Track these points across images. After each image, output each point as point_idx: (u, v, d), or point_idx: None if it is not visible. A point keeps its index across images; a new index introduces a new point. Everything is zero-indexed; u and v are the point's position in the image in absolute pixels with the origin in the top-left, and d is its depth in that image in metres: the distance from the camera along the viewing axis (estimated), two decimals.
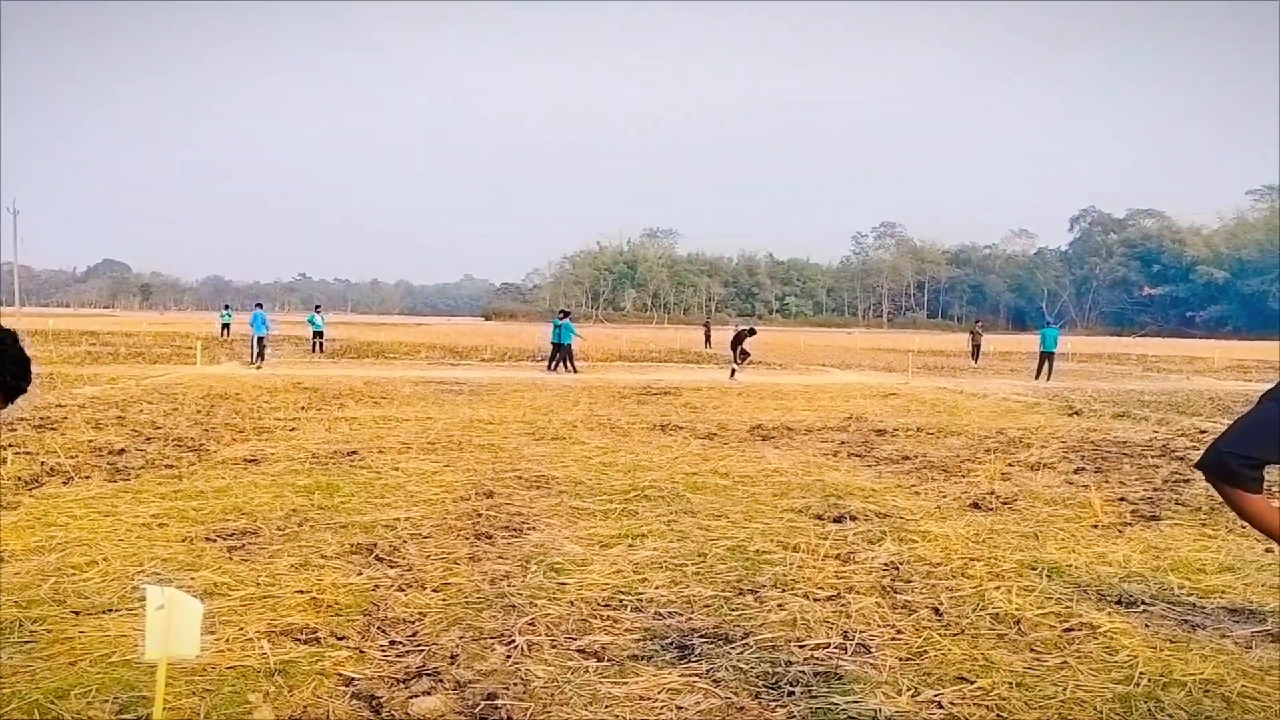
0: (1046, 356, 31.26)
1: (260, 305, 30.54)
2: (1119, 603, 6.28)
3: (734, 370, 29.28)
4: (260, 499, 8.95)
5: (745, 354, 30.53)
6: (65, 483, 9.58)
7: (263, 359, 29.21)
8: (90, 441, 12.22)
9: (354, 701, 4.51)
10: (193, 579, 6.30)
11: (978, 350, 42.59)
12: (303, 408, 16.91)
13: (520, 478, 10.37)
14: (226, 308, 56.44)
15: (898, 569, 6.96)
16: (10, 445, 11.63)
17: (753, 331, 32.26)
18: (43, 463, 10.52)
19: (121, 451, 11.55)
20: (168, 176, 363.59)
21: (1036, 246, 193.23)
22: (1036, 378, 30.55)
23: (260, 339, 29.67)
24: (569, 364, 29.79)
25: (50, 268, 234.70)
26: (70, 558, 6.76)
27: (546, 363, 30.68)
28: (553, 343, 30.15)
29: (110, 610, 5.62)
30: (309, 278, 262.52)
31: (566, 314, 30.88)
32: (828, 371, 33.41)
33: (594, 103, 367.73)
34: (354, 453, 11.79)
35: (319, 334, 38.68)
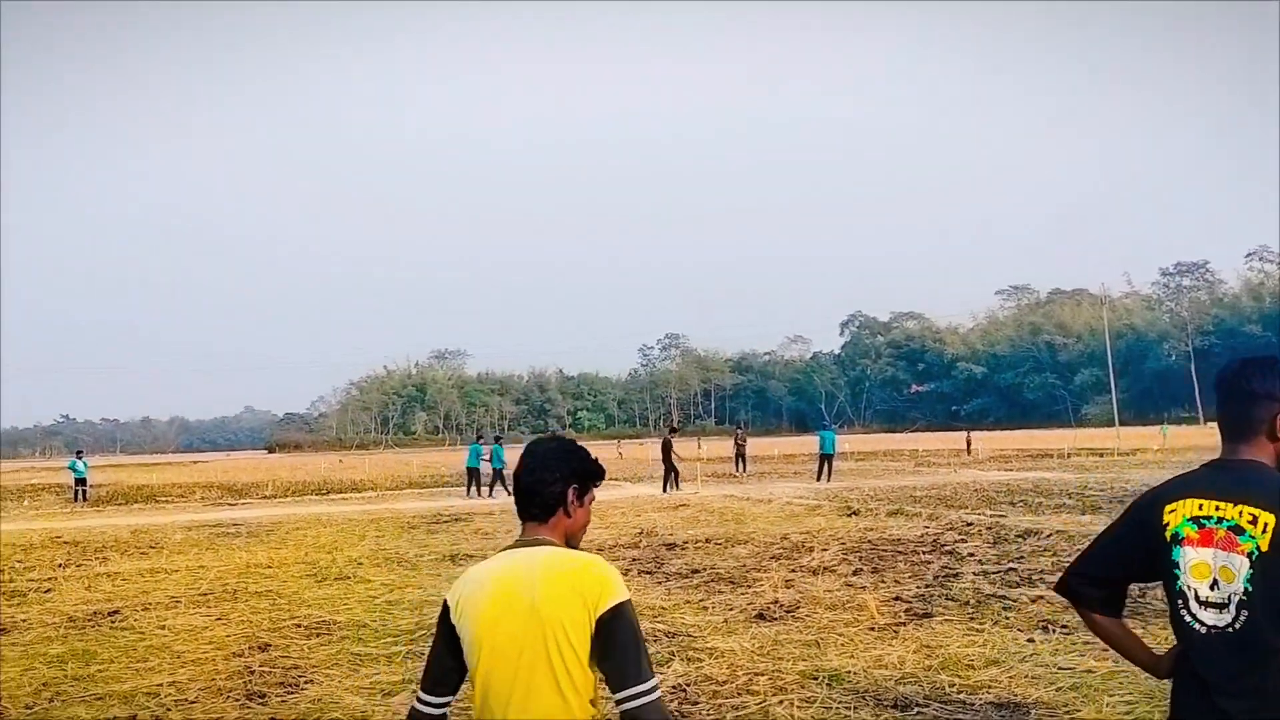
0: (826, 458, 32.52)
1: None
2: (894, 706, 6.49)
3: (673, 480, 29.54)
4: (6, 674, 8.20)
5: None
6: None
7: None
8: None
9: None
10: None
11: (741, 459, 39.68)
12: (60, 565, 15.69)
13: (299, 625, 9.91)
14: None
15: (685, 690, 6.98)
16: None
17: (674, 430, 32.89)
18: None
19: None
20: None
21: (812, 351, 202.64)
22: (818, 479, 31.67)
23: None
24: (482, 488, 29.86)
25: None
26: None
27: (475, 489, 30.11)
28: (469, 467, 30.32)
29: None
30: (73, 419, 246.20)
31: (479, 437, 32.55)
32: (620, 485, 33.63)
33: (378, 230, 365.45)
34: (116, 612, 11.00)
35: (81, 481, 36.11)
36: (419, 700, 2.50)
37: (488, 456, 30.11)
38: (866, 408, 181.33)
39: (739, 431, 42.93)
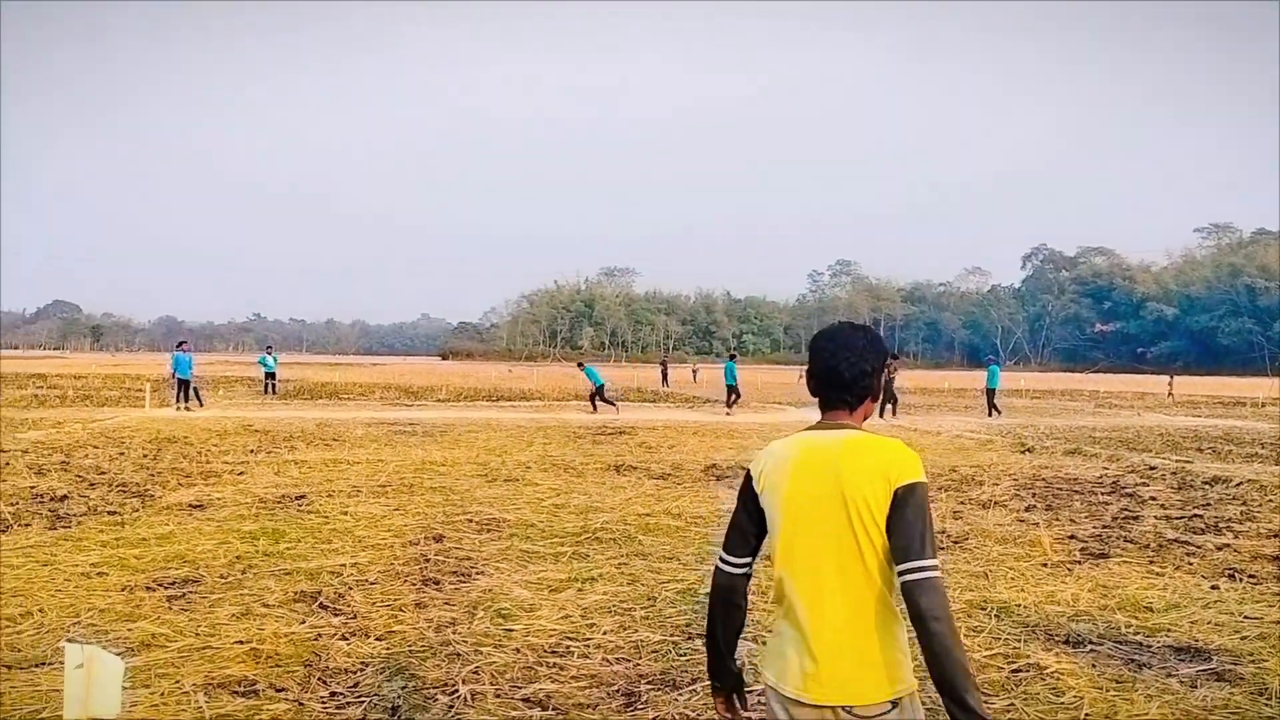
0: (990, 393, 31.61)
1: (181, 345, 29.29)
2: (1066, 642, 6.30)
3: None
4: (204, 546, 8.78)
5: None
6: (3, 531, 9.36)
7: (187, 400, 28.21)
8: (32, 488, 11.96)
9: None
10: (130, 630, 6.16)
11: (889, 388, 37.80)
12: (252, 451, 16.68)
13: (471, 521, 10.27)
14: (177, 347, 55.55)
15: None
16: None
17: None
18: None
19: (63, 498, 11.31)
20: (119, 215, 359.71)
21: (990, 284, 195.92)
22: (988, 414, 30.75)
23: (184, 381, 28.51)
24: (604, 402, 30.41)
25: None
26: (5, 610, 6.59)
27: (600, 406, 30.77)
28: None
29: (43, 664, 5.47)
30: (264, 318, 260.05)
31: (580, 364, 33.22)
32: (784, 410, 33.50)
33: (550, 139, 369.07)
34: (302, 497, 11.63)
35: (271, 375, 38.20)
36: (723, 561, 2.65)
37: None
38: (1045, 345, 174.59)
39: (890, 364, 40.86)
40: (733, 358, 33.27)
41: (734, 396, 31.21)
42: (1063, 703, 5.19)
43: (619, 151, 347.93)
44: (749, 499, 2.60)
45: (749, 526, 2.60)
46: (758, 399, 40.62)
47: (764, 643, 2.74)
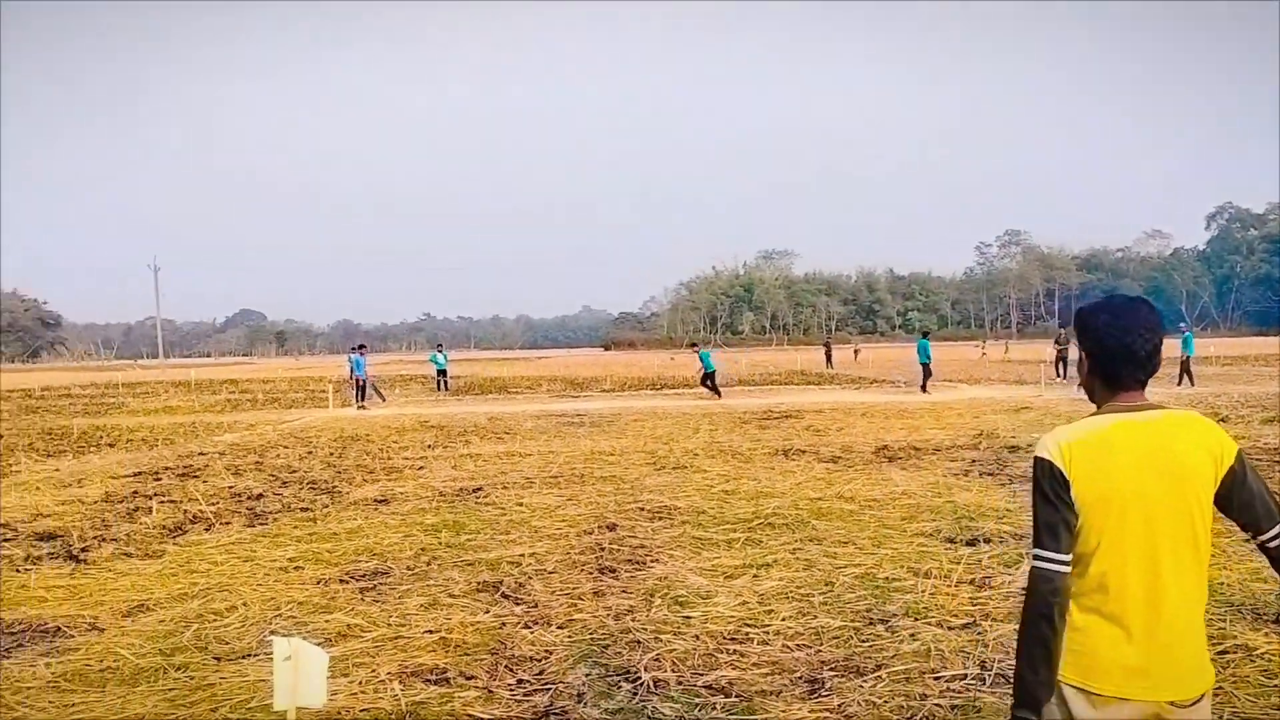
0: (1184, 362, 30.10)
1: (357, 349, 30.90)
2: (1276, 622, 5.95)
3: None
4: (390, 539, 9.14)
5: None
6: (207, 529, 9.95)
7: (364, 399, 29.64)
8: (230, 488, 12.67)
9: None
10: (327, 621, 6.45)
11: (1063, 362, 35.70)
12: (429, 446, 17.26)
13: (643, 509, 10.37)
14: (354, 349, 57.96)
15: None
16: (156, 495, 12.14)
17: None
18: (185, 510, 10.94)
19: (259, 496, 11.94)
20: (293, 226, 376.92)
21: (1172, 247, 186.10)
22: (1178, 384, 29.24)
23: (360, 380, 30.09)
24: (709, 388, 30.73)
25: (191, 319, 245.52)
26: (211, 604, 7.00)
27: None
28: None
29: (249, 655, 5.79)
30: (433, 317, 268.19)
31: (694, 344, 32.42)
32: (955, 388, 32.65)
33: (704, 128, 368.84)
34: (479, 489, 11.97)
35: (442, 372, 39.47)
36: (1051, 562, 2.40)
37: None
38: (1235, 309, 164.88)
39: (1062, 334, 39.23)
40: (925, 335, 32.67)
41: (927, 375, 30.65)
42: (1275, 685, 4.91)
43: (771, 133, 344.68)
44: (1061, 491, 2.40)
45: (1069, 520, 2.40)
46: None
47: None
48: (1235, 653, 5.41)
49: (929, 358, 30.88)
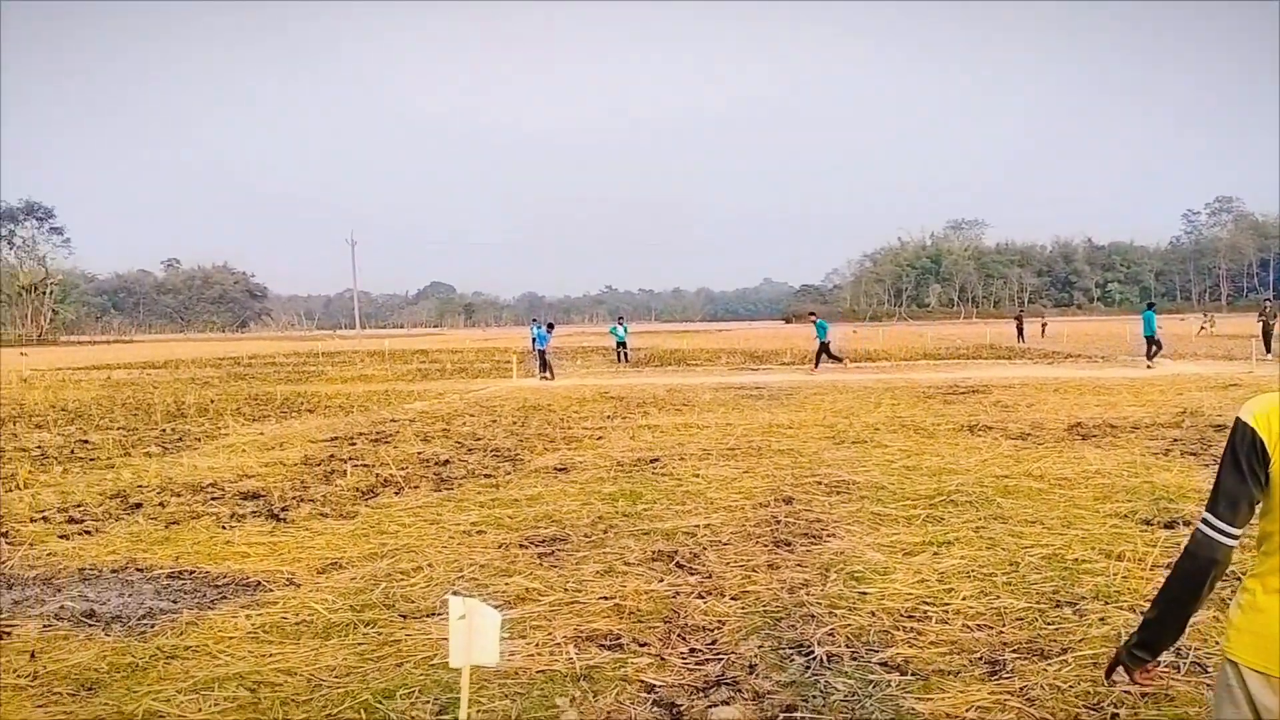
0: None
1: (535, 321, 31.71)
2: None
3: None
4: (569, 506, 9.31)
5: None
6: (397, 493, 10.36)
7: (546, 370, 30.29)
8: (419, 454, 13.17)
9: (655, 709, 4.57)
10: (506, 584, 6.63)
11: (1268, 337, 32.86)
12: (608, 417, 17.50)
13: (820, 483, 10.24)
14: (534, 322, 59.39)
15: (1239, 578, 6.29)
16: (350, 459, 12.72)
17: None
18: (378, 474, 11.43)
19: (446, 462, 12.36)
20: (480, 200, 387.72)
21: None
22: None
23: (542, 352, 30.80)
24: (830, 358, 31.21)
25: (385, 292, 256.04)
26: (399, 564, 7.29)
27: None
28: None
29: (433, 614, 6.00)
30: (615, 290, 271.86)
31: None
32: (1161, 363, 30.97)
33: (885, 93, 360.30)
34: (656, 460, 12.06)
35: (621, 344, 39.93)
36: (1217, 530, 2.27)
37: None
38: None
39: (1267, 305, 35.98)
40: (1150, 306, 31.31)
41: (1155, 348, 29.55)
42: None
43: (959, 97, 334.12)
44: (1257, 464, 2.22)
45: (1252, 491, 2.24)
46: (1126, 352, 37.79)
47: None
48: None
49: (1153, 329, 29.62)
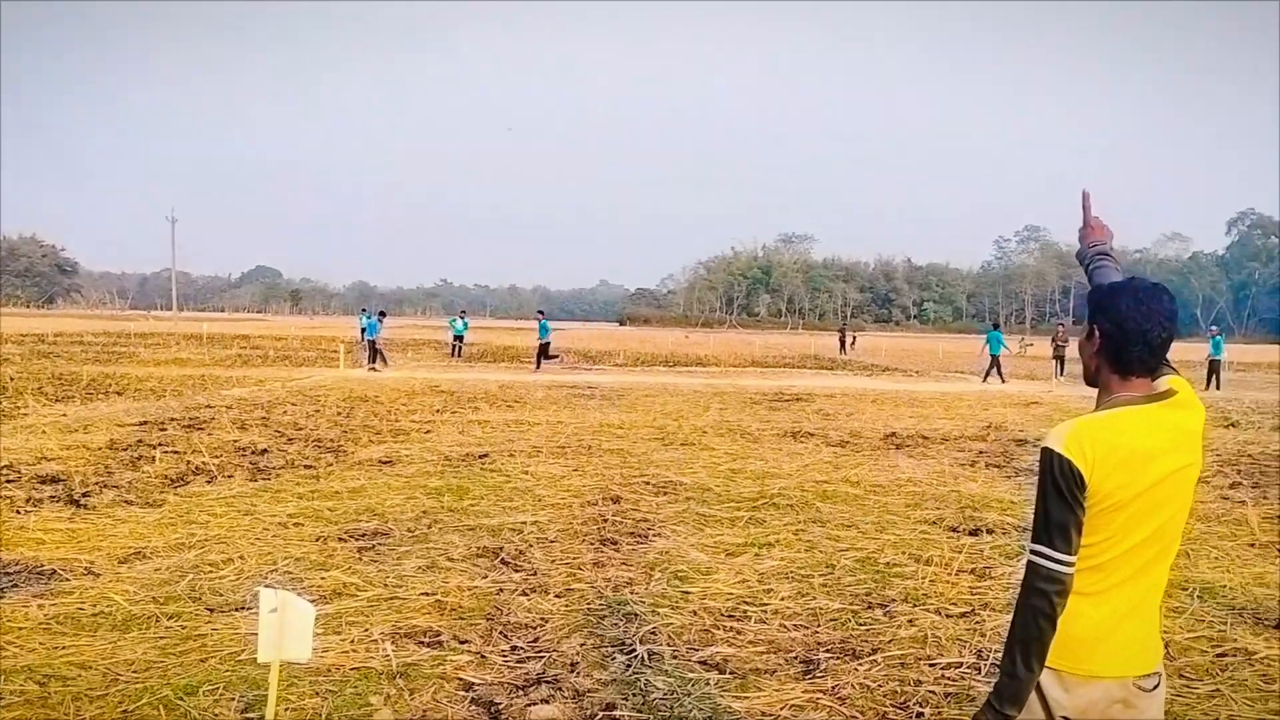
0: (1214, 364, 29.88)
1: (365, 310, 31.14)
2: (1277, 627, 5.85)
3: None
4: (392, 500, 9.09)
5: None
6: (209, 481, 9.91)
7: (375, 360, 29.75)
8: (235, 442, 12.64)
9: (473, 707, 4.48)
10: (323, 579, 6.40)
11: (1060, 361, 34.07)
12: (438, 410, 17.21)
13: (648, 483, 10.30)
14: (364, 311, 58.00)
15: None
16: (160, 444, 12.12)
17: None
18: (189, 462, 10.91)
19: (264, 452, 11.90)
20: (310, 183, 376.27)
21: (1190, 251, 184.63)
22: (1205, 388, 28.86)
23: (372, 342, 30.22)
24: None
25: (207, 274, 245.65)
26: (208, 555, 6.96)
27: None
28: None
29: (242, 608, 5.74)
30: (450, 283, 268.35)
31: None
32: (967, 379, 32.48)
33: (729, 107, 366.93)
34: (485, 455, 11.91)
35: (459, 337, 39.41)
36: (1059, 563, 2.26)
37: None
38: (1250, 316, 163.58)
39: (1059, 330, 37.33)
40: (996, 326, 32.76)
41: (994, 367, 30.89)
42: (1274, 690, 4.82)
43: (795, 119, 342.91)
44: (1077, 490, 2.25)
45: (1080, 517, 2.26)
46: (939, 368, 39.51)
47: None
48: (1234, 656, 5.33)
49: (999, 349, 31.04)
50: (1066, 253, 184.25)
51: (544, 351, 31.94)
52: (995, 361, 30.80)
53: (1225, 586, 6.73)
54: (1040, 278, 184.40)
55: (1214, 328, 34.08)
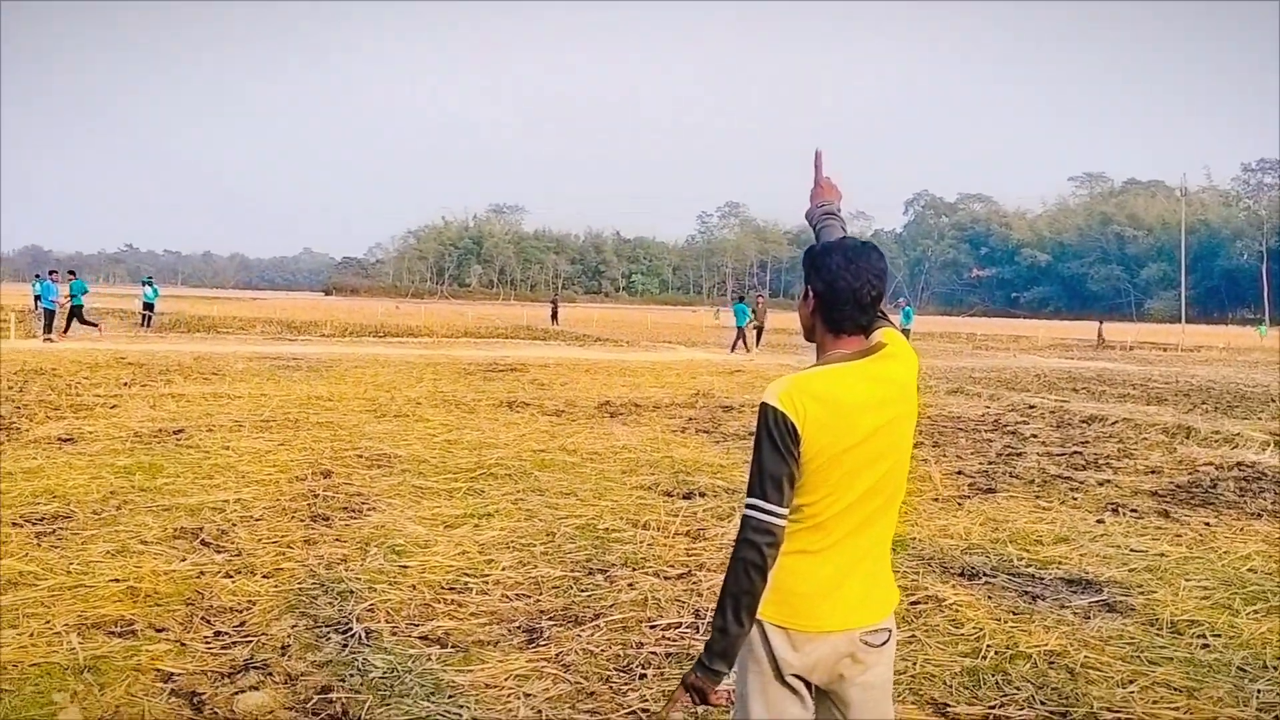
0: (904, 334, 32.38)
1: (39, 276, 28.31)
2: (962, 575, 6.37)
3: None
4: (75, 481, 8.32)
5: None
6: None
7: (52, 330, 27.30)
8: None
9: (173, 699, 4.17)
10: None
11: (759, 329, 35.06)
12: (125, 384, 15.96)
13: (361, 456, 9.97)
14: (38, 277, 53.01)
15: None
16: None
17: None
18: None
19: None
20: None
21: (873, 229, 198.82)
22: None
23: (49, 310, 27.67)
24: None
25: None
26: None
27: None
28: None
29: None
30: (136, 249, 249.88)
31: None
32: (675, 349, 33.57)
33: (440, 80, 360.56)
34: (181, 431, 11.15)
35: (149, 306, 36.70)
36: (769, 514, 2.28)
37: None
38: (924, 290, 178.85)
39: (759, 302, 37.50)
40: (741, 300, 33.66)
41: (740, 337, 32.07)
42: (963, 634, 5.23)
43: (523, 116, 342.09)
44: (791, 444, 2.29)
45: (793, 470, 2.30)
46: (648, 338, 40.65)
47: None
48: (927, 603, 5.74)
49: (744, 321, 32.27)
50: (763, 228, 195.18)
51: (77, 315, 29.03)
52: (741, 332, 32.15)
53: (914, 539, 7.27)
54: (740, 251, 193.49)
55: (902, 299, 36.99)
